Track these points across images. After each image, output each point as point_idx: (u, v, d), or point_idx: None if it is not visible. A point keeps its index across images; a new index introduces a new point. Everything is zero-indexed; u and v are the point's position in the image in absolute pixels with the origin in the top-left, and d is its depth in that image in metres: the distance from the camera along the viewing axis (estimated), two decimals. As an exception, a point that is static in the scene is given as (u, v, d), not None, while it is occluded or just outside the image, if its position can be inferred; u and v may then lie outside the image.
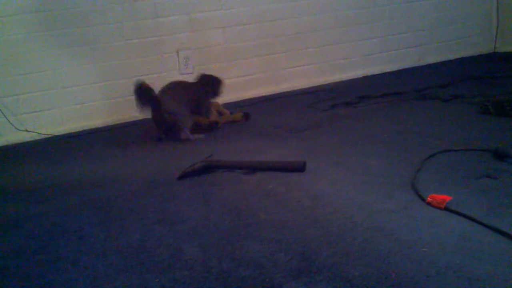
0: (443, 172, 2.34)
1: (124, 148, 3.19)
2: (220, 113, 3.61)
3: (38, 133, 3.55)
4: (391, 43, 4.71)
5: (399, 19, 4.70)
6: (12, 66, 3.47)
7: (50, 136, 3.55)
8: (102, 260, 1.85)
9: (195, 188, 2.43)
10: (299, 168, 2.51)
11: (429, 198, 2.04)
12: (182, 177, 2.55)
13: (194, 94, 3.39)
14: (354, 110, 3.54)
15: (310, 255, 1.75)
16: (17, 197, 2.53)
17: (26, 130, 3.54)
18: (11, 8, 3.41)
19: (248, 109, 3.87)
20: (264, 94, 4.22)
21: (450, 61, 4.83)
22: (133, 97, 3.86)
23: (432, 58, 4.88)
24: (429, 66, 4.76)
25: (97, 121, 3.76)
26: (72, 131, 3.64)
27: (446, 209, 1.97)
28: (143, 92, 3.16)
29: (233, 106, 3.97)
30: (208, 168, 2.61)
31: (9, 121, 3.45)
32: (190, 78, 3.65)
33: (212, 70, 4.00)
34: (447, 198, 2.01)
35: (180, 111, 3.25)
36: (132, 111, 3.82)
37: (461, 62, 4.79)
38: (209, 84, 3.47)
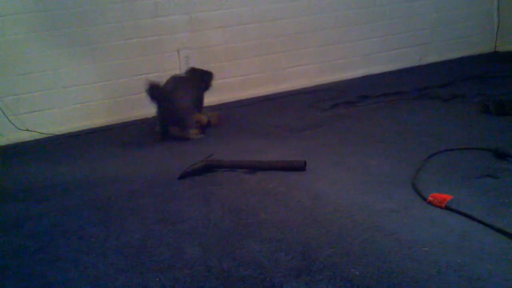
0: (444, 171, 2.34)
1: (124, 148, 3.19)
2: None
3: (38, 132, 3.55)
4: (391, 42, 4.70)
5: (399, 19, 4.70)
6: (12, 66, 3.47)
7: (50, 135, 3.55)
8: (102, 260, 1.85)
9: (195, 187, 2.43)
10: (300, 167, 2.51)
11: (429, 198, 2.04)
12: (183, 176, 2.54)
13: (195, 90, 3.39)
14: (354, 110, 3.54)
15: (310, 255, 1.75)
16: (17, 196, 2.53)
17: (27, 130, 3.54)
18: (12, 8, 3.41)
19: (248, 108, 3.86)
20: (264, 94, 4.21)
21: (450, 61, 4.83)
22: (133, 97, 3.86)
23: (433, 58, 4.87)
24: (429, 65, 4.75)
25: (98, 121, 3.76)
26: (73, 130, 3.63)
27: (447, 208, 1.97)
28: (156, 91, 3.18)
29: (233, 105, 3.97)
30: (209, 168, 2.60)
31: (9, 120, 3.45)
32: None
33: (213, 69, 4.00)
34: (447, 197, 2.01)
35: (191, 108, 3.27)
36: (133, 111, 3.82)
37: (461, 61, 4.79)
38: (203, 78, 3.49)
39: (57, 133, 3.58)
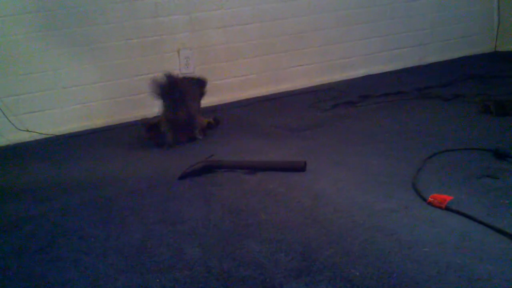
0: (444, 171, 2.34)
1: (124, 148, 3.19)
2: None
3: (38, 133, 3.55)
4: (392, 42, 4.70)
5: (400, 19, 4.69)
6: (12, 66, 3.47)
7: (50, 136, 3.55)
8: (102, 260, 1.85)
9: (195, 188, 2.43)
10: (300, 168, 2.51)
11: (430, 198, 2.04)
12: (183, 177, 2.54)
13: (197, 94, 3.38)
14: (355, 109, 3.54)
15: (310, 255, 1.75)
16: (18, 197, 2.53)
17: (27, 130, 3.54)
18: (12, 8, 3.41)
19: (249, 108, 3.87)
20: (264, 94, 4.21)
21: (451, 61, 4.83)
22: (133, 97, 3.86)
23: (433, 58, 4.87)
24: (430, 65, 4.75)
25: (98, 121, 3.76)
26: (73, 131, 3.64)
27: (447, 208, 1.97)
28: (171, 90, 3.12)
29: (233, 106, 3.97)
30: (209, 168, 2.60)
31: (9, 121, 3.45)
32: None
33: (213, 69, 4.00)
34: (448, 197, 2.01)
35: (198, 110, 3.25)
36: (133, 111, 3.82)
37: (462, 61, 4.78)
38: (199, 83, 3.46)
39: (57, 133, 3.59)
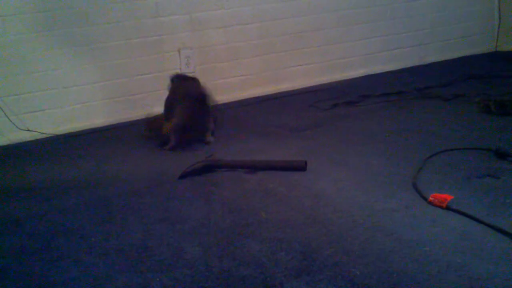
0: (445, 171, 2.34)
1: (124, 148, 3.19)
2: None
3: (39, 132, 3.55)
4: (392, 42, 4.70)
5: (400, 19, 4.69)
6: (13, 66, 3.47)
7: (51, 135, 3.55)
8: (103, 260, 1.85)
9: (196, 187, 2.43)
10: (300, 167, 2.51)
11: (430, 197, 2.04)
12: (183, 176, 2.54)
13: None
14: (355, 109, 3.54)
15: (311, 254, 1.75)
16: (18, 196, 2.53)
17: (28, 130, 3.54)
18: (12, 8, 3.41)
19: (249, 108, 3.86)
20: (265, 94, 4.21)
21: (451, 60, 4.82)
22: (133, 97, 3.85)
23: (433, 57, 4.87)
24: (430, 65, 4.75)
25: (98, 121, 3.75)
26: (73, 130, 3.63)
27: (448, 208, 1.97)
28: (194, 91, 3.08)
29: (233, 105, 3.97)
30: (209, 168, 2.60)
31: (10, 120, 3.45)
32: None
33: (213, 69, 4.00)
34: (448, 197, 2.01)
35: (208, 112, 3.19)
36: (133, 111, 3.82)
37: (462, 61, 4.78)
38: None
39: (58, 133, 3.59)
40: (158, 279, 1.69)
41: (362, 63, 4.61)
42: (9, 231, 2.15)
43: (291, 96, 4.10)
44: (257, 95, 4.19)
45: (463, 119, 3.09)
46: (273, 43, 4.24)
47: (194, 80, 3.35)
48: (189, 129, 3.07)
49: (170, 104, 3.17)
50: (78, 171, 2.83)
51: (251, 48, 4.17)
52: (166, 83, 3.38)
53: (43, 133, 3.55)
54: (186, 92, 3.14)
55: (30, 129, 3.54)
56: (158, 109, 3.76)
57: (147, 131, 3.27)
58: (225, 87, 4.07)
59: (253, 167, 2.57)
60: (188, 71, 3.89)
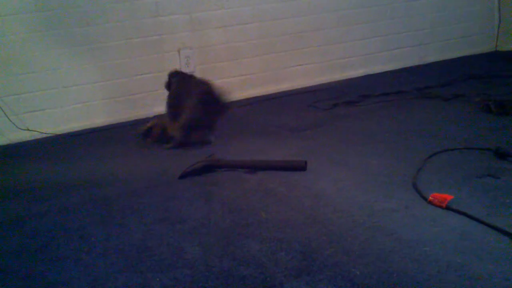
0: (444, 171, 2.34)
1: (124, 148, 3.19)
2: None
3: (39, 132, 3.55)
4: (392, 42, 4.70)
5: (400, 18, 4.69)
6: (13, 66, 3.47)
7: (51, 135, 3.55)
8: (103, 259, 1.85)
9: (196, 187, 2.43)
10: (300, 167, 2.51)
11: (430, 197, 2.04)
12: (183, 176, 2.54)
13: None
14: (355, 109, 3.54)
15: (311, 254, 1.75)
16: (18, 196, 2.53)
17: (28, 129, 3.54)
18: (12, 8, 3.41)
19: (249, 108, 3.86)
20: (265, 93, 4.21)
21: (451, 60, 4.83)
22: (133, 97, 3.84)
23: (433, 57, 4.87)
24: (430, 65, 4.75)
25: (98, 120, 3.76)
26: (73, 130, 3.64)
27: (448, 208, 1.97)
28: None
29: (233, 105, 3.95)
30: (209, 168, 2.60)
31: (10, 120, 3.45)
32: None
33: (213, 69, 4.00)
34: (448, 197, 2.01)
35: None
36: (133, 111, 3.82)
37: (462, 61, 4.78)
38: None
39: (58, 132, 3.59)
40: (158, 279, 1.69)
41: (362, 63, 4.61)
42: (9, 231, 2.15)
43: (291, 96, 4.10)
44: (257, 95, 4.20)
45: (463, 119, 3.09)
46: (273, 43, 4.24)
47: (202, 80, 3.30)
48: (197, 127, 3.05)
49: (175, 101, 3.12)
50: (78, 171, 2.83)
51: (251, 48, 4.17)
52: (164, 80, 3.35)
53: (43, 132, 3.55)
54: (196, 89, 3.08)
55: (30, 129, 3.55)
56: (158, 108, 3.77)
57: (148, 140, 3.19)
58: (225, 87, 4.06)
59: (253, 167, 2.57)
60: (188, 71, 3.89)
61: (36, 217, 2.25)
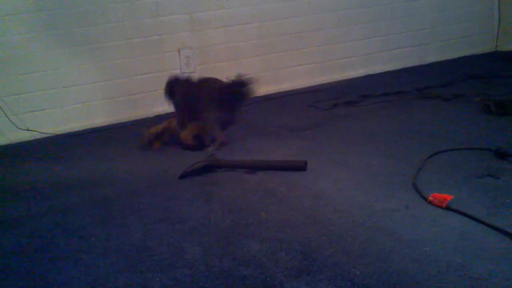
0: (445, 171, 2.34)
1: (124, 148, 3.19)
2: None
3: (39, 132, 3.55)
4: (392, 42, 4.70)
5: (400, 18, 4.69)
6: (13, 66, 3.47)
7: (51, 135, 3.55)
8: (103, 259, 1.85)
9: (196, 187, 2.43)
10: (300, 167, 2.51)
11: (430, 197, 2.04)
12: (183, 176, 2.54)
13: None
14: (355, 109, 3.54)
15: (311, 254, 1.75)
16: (18, 196, 2.53)
17: (28, 129, 3.54)
18: (12, 8, 3.41)
19: (249, 108, 3.86)
20: (265, 93, 4.21)
21: (451, 60, 4.83)
22: (133, 97, 3.84)
23: (433, 57, 4.87)
24: (430, 65, 4.75)
25: (98, 120, 3.76)
26: (73, 130, 3.64)
27: (448, 208, 1.97)
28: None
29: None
30: (209, 168, 2.60)
31: (10, 120, 3.45)
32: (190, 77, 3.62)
33: (213, 69, 4.00)
34: (448, 197, 2.01)
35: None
36: (133, 111, 3.82)
37: (462, 61, 4.78)
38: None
39: (58, 132, 3.59)
40: (158, 279, 1.69)
41: (362, 63, 4.61)
42: (9, 230, 2.15)
43: (291, 96, 4.10)
44: (257, 95, 4.19)
45: (463, 119, 3.09)
46: (273, 43, 4.24)
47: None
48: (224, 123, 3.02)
49: (187, 105, 3.07)
50: (78, 171, 2.83)
51: (251, 48, 4.17)
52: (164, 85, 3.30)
53: (43, 132, 3.55)
54: (207, 89, 3.04)
55: (30, 129, 3.55)
56: (158, 108, 3.78)
57: (155, 145, 3.11)
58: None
59: (253, 167, 2.57)
60: (188, 71, 3.90)
61: (36, 217, 2.25)
